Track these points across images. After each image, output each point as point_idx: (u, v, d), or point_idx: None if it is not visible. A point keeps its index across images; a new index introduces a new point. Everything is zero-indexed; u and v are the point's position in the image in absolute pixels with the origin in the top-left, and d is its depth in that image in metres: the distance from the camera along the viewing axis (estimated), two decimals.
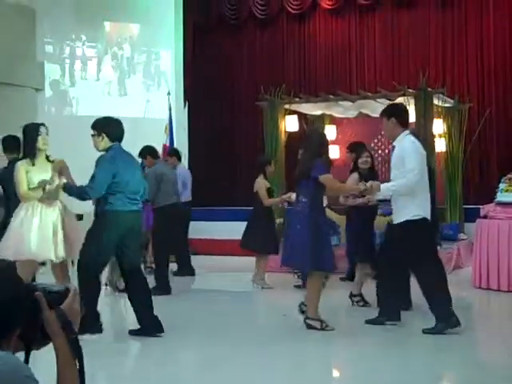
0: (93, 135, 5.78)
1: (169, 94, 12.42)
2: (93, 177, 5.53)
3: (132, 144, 11.83)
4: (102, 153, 5.75)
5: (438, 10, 12.62)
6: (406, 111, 6.03)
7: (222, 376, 4.45)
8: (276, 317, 6.63)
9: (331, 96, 10.75)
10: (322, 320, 5.71)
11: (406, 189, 5.51)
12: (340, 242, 9.73)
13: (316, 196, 5.74)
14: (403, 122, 5.77)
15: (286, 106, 10.80)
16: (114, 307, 7.53)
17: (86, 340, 2.52)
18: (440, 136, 10.59)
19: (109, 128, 5.81)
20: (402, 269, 5.85)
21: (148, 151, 9.05)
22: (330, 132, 11.63)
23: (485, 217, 7.91)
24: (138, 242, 5.99)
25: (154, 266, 8.53)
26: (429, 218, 5.57)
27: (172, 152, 9.89)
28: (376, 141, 11.53)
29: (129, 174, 5.66)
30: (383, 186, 5.66)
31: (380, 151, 11.51)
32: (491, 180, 10.88)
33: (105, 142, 5.71)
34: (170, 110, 12.16)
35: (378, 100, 10.33)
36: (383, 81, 12.11)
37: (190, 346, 5.47)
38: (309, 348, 5.36)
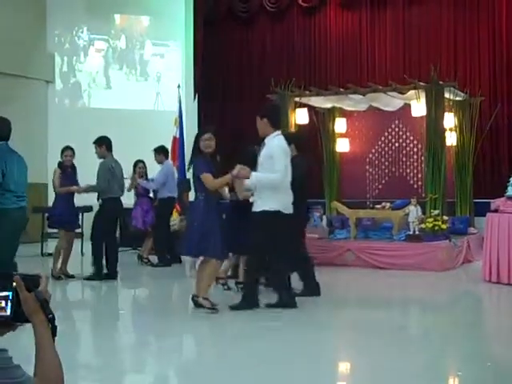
0: None
1: (179, 86, 12.41)
2: None
3: (142, 136, 11.96)
4: None
5: (449, 2, 12.55)
6: (278, 113, 6.53)
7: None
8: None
9: (341, 89, 10.72)
10: (211, 301, 6.01)
11: (272, 183, 5.92)
12: (350, 235, 9.73)
13: (208, 191, 6.00)
14: (274, 123, 6.07)
15: (297, 99, 10.78)
16: None
17: None
18: (451, 130, 10.54)
19: None
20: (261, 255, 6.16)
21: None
22: (340, 125, 11.61)
23: (495, 211, 7.88)
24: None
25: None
26: (286, 212, 5.98)
27: (159, 149, 9.96)
28: (386, 134, 11.50)
29: (16, 172, 5.97)
30: (254, 173, 5.94)
31: (391, 144, 11.48)
32: (502, 174, 10.84)
33: None
34: (179, 102, 12.15)
35: (388, 93, 10.30)
36: (394, 74, 12.06)
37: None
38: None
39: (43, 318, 1.72)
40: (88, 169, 8.51)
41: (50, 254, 10.40)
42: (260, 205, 6.00)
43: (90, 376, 4.37)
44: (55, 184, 8.30)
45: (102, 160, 8.31)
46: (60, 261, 8.26)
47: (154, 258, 9.71)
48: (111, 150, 8.36)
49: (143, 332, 5.77)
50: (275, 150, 5.96)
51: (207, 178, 5.95)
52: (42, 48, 13.63)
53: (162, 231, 9.65)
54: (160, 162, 9.86)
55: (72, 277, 8.22)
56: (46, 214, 10.04)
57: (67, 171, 8.34)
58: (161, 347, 5.18)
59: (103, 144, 8.29)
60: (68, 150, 8.36)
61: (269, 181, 5.95)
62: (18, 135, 11.88)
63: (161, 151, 9.93)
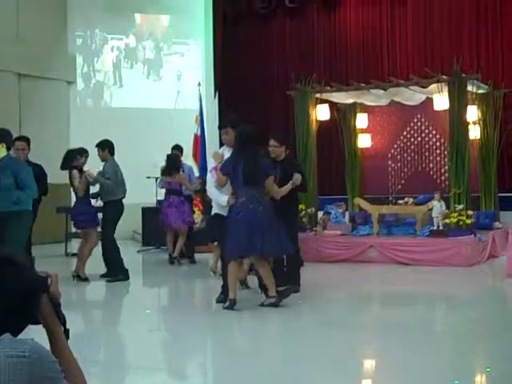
0: None
1: (199, 84, 12.43)
2: None
3: (163, 134, 11.98)
4: None
5: None
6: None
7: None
8: None
9: (362, 84, 10.64)
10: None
11: None
12: (372, 232, 9.67)
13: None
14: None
15: (317, 95, 10.72)
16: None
17: None
18: (474, 123, 10.42)
19: None
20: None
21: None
22: (362, 120, 11.54)
23: None
24: None
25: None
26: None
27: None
28: (408, 128, 11.40)
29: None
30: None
31: (413, 139, 11.38)
32: None
33: None
34: (200, 100, 12.17)
35: (410, 87, 10.20)
36: (415, 67, 11.95)
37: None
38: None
39: (58, 322, 1.71)
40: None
41: (74, 254, 10.47)
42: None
43: (124, 374, 4.39)
44: (79, 188, 8.14)
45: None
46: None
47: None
48: (113, 154, 8.32)
49: (178, 330, 5.78)
50: None
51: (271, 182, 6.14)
52: (63, 49, 13.73)
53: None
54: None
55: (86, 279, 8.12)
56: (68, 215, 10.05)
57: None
58: (193, 345, 5.20)
59: (106, 147, 8.26)
60: (86, 153, 8.32)
61: None
62: (41, 136, 12.14)
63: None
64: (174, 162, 9.62)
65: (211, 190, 6.40)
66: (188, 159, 10.14)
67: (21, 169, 6.36)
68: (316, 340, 5.12)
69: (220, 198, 6.22)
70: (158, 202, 10.31)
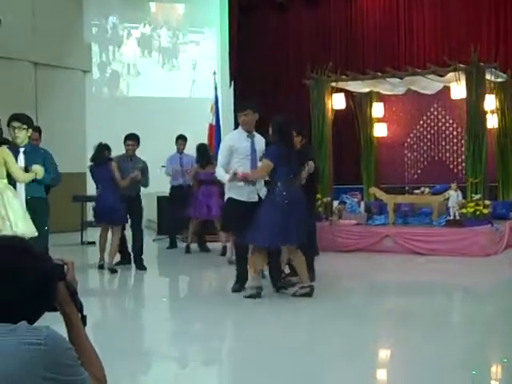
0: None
1: (214, 73, 12.40)
2: None
3: (179, 124, 11.96)
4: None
5: None
6: None
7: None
8: None
9: (379, 73, 10.56)
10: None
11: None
12: (388, 221, 9.63)
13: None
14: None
15: (333, 84, 10.66)
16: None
17: None
18: (492, 112, 10.31)
19: None
20: None
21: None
22: (378, 109, 11.46)
23: None
24: None
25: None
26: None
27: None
28: (425, 118, 11.32)
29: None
30: None
31: (429, 128, 11.30)
32: None
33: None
34: (215, 89, 12.14)
35: (427, 76, 10.11)
36: (432, 56, 11.85)
37: None
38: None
39: (75, 310, 1.71)
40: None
41: (89, 243, 10.54)
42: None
43: (153, 364, 4.41)
44: (122, 181, 8.00)
45: (137, 156, 8.43)
46: (107, 252, 8.12)
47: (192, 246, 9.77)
48: None
49: (199, 320, 5.80)
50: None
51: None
52: (78, 38, 13.74)
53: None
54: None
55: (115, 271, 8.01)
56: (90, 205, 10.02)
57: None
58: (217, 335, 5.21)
59: (138, 142, 8.42)
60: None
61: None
62: (57, 125, 12.19)
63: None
64: (203, 154, 9.68)
65: (218, 171, 6.45)
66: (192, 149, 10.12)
67: (46, 155, 6.42)
68: (331, 330, 5.10)
69: (224, 178, 6.30)
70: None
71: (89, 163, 8.31)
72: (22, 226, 5.62)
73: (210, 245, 9.77)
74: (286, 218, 5.87)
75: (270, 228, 5.88)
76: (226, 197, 6.49)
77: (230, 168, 6.29)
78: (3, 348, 1.46)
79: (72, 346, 1.59)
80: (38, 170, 6.02)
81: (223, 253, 9.00)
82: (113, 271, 7.92)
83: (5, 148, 5.86)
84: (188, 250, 9.62)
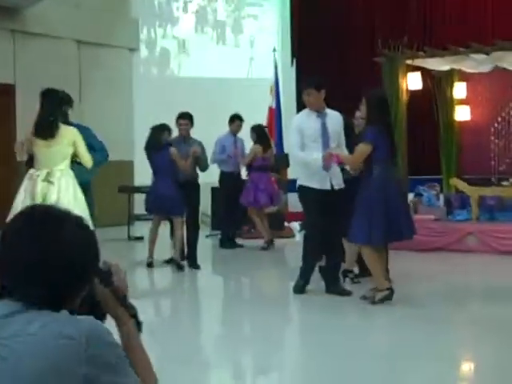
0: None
1: (274, 50, 12.41)
2: None
3: (235, 107, 12.02)
4: None
5: None
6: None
7: None
8: None
9: (461, 48, 10.40)
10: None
11: None
12: (471, 217, 9.49)
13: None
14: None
15: (408, 62, 10.55)
16: None
17: None
18: None
19: None
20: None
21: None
22: (460, 90, 11.29)
23: None
24: None
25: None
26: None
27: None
28: None
29: None
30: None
31: None
32: None
33: None
34: (275, 68, 12.15)
35: None
36: None
37: None
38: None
39: (126, 313, 1.72)
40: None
41: (137, 238, 10.69)
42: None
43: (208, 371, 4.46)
44: (186, 166, 8.05)
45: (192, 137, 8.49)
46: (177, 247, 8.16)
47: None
48: None
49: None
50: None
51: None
52: (124, 13, 13.92)
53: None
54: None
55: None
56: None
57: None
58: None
59: (192, 122, 8.50)
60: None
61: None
62: (102, 107, 12.40)
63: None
64: (262, 136, 9.75)
65: (299, 154, 6.31)
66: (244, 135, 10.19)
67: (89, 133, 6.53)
68: (407, 336, 5.10)
69: (311, 158, 6.13)
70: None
71: (143, 149, 8.28)
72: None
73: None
74: (394, 209, 5.82)
75: (381, 223, 5.78)
76: (298, 184, 6.43)
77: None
78: (39, 342, 1.45)
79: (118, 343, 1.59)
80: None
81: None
82: (179, 267, 7.95)
83: (75, 129, 5.95)
84: (266, 247, 9.70)
